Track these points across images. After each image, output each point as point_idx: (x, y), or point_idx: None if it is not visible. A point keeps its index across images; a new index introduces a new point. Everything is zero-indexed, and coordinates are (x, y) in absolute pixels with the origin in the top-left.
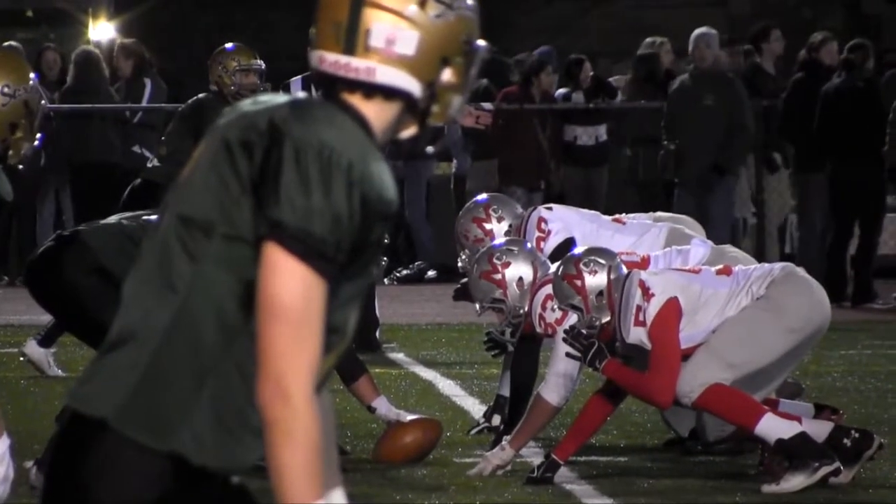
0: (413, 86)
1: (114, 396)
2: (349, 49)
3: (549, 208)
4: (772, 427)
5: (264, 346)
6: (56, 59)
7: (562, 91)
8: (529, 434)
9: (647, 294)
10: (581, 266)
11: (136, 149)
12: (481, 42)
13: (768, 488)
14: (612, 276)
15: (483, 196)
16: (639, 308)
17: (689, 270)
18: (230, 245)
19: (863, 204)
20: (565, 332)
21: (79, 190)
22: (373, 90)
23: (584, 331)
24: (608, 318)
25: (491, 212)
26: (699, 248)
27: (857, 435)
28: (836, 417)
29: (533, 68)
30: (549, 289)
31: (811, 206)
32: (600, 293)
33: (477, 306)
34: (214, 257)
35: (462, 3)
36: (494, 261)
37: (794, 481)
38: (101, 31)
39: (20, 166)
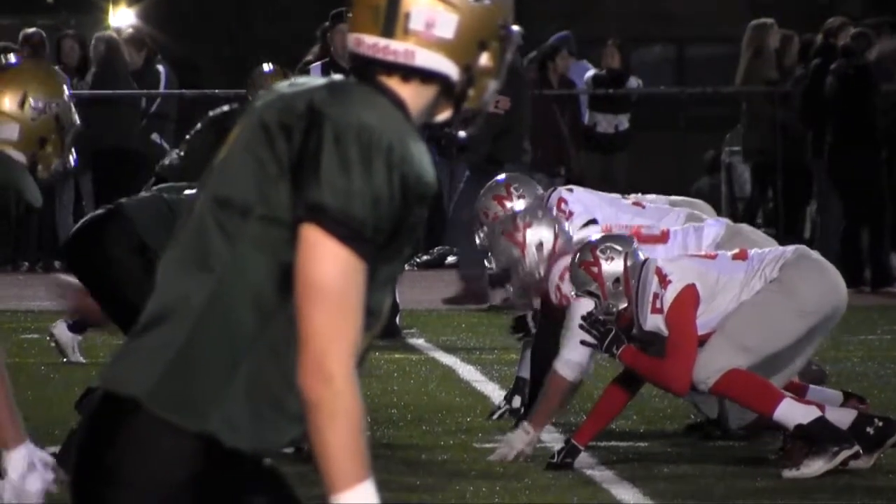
0: (451, 69)
1: (147, 376)
2: (388, 32)
3: (570, 190)
4: (791, 412)
5: (305, 327)
6: (74, 46)
7: (590, 73)
8: (549, 412)
9: (663, 281)
10: (598, 253)
11: (155, 137)
12: (516, 26)
13: (788, 473)
14: (628, 263)
15: (503, 175)
16: (656, 295)
17: (705, 256)
18: (267, 226)
19: (863, 190)
20: (582, 317)
21: (99, 176)
22: (410, 73)
23: (601, 317)
24: (625, 305)
25: (512, 190)
26: (713, 226)
27: (880, 423)
28: (863, 406)
29: (548, 53)
30: (568, 260)
31: (828, 192)
32: (617, 280)
33: (492, 264)
34: (251, 238)
35: None
36: (518, 221)
37: (814, 466)
38: (121, 17)
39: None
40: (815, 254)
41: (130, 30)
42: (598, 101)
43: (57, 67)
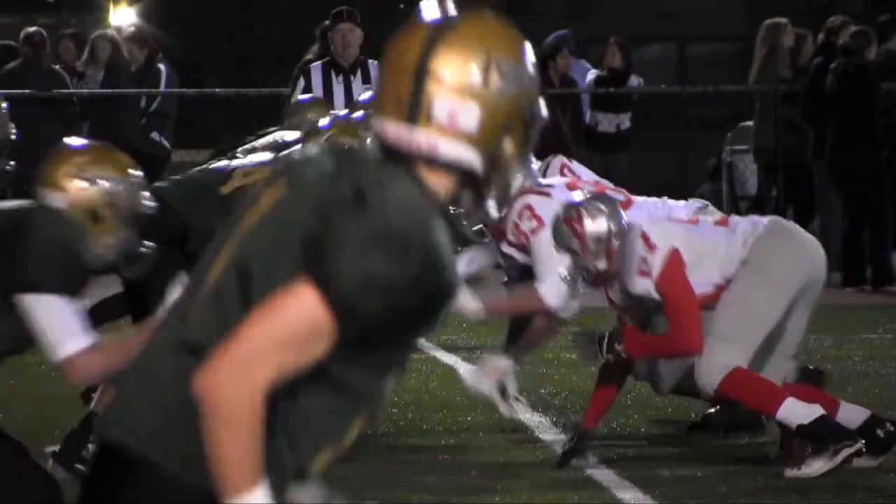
0: (474, 159)
1: (149, 427)
2: (411, 120)
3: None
4: (793, 412)
5: (242, 331)
6: (69, 46)
7: (592, 74)
8: (531, 343)
9: (648, 245)
10: (582, 210)
11: (155, 136)
12: (543, 108)
13: (791, 472)
14: (612, 225)
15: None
16: (642, 259)
17: (687, 221)
18: None
19: (864, 189)
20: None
21: None
22: (434, 162)
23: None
24: (604, 266)
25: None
26: (683, 208)
27: (891, 428)
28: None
29: (548, 52)
30: (530, 199)
31: (830, 191)
32: (599, 239)
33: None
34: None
35: (524, 76)
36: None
37: (816, 465)
38: (122, 15)
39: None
40: (789, 225)
41: (132, 28)
42: (600, 100)
43: (57, 66)
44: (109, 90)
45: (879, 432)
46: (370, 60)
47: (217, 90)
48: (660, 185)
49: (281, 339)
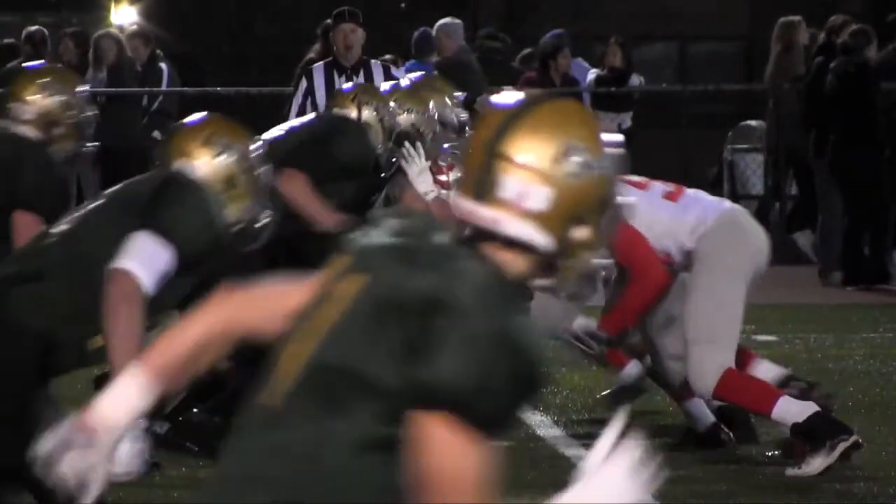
0: (541, 240)
1: None
2: (479, 196)
3: None
4: (787, 411)
5: None
6: (70, 45)
7: (592, 73)
8: None
9: None
10: None
11: (156, 134)
12: (620, 198)
13: (791, 472)
14: None
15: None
16: None
17: (636, 183)
18: (372, 401)
19: (864, 189)
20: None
21: (104, 175)
22: (503, 240)
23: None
24: None
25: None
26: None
27: (805, 384)
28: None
29: (549, 52)
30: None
31: (831, 190)
32: None
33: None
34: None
35: (601, 163)
36: None
37: (815, 463)
38: (123, 14)
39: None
40: (738, 216)
41: (134, 27)
42: (601, 99)
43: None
44: (112, 89)
45: (794, 390)
46: (372, 61)
47: (218, 89)
48: None
49: (475, 490)
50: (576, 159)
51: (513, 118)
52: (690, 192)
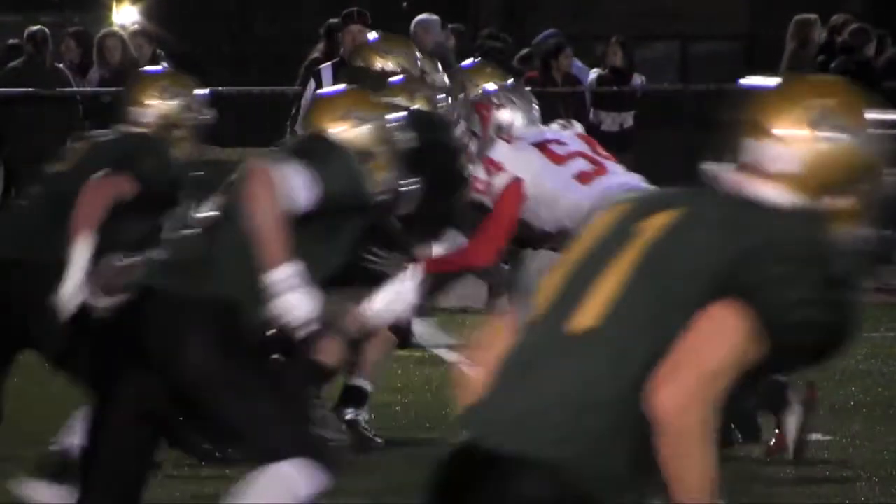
0: (794, 203)
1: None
2: (741, 167)
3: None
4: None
5: (690, 355)
6: (71, 44)
7: (593, 73)
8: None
9: (495, 167)
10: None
11: None
12: (889, 179)
13: (788, 457)
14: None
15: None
16: (486, 182)
17: (555, 157)
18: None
19: None
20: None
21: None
22: None
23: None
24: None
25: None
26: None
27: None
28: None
29: (551, 51)
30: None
31: None
32: (500, 127)
33: None
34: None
35: (858, 134)
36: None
37: (790, 424)
38: (125, 14)
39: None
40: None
41: (136, 26)
42: (603, 99)
43: (61, 65)
44: (114, 88)
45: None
46: None
47: (220, 88)
48: (664, 184)
49: (729, 363)
50: (830, 126)
51: (775, 91)
52: (607, 179)
